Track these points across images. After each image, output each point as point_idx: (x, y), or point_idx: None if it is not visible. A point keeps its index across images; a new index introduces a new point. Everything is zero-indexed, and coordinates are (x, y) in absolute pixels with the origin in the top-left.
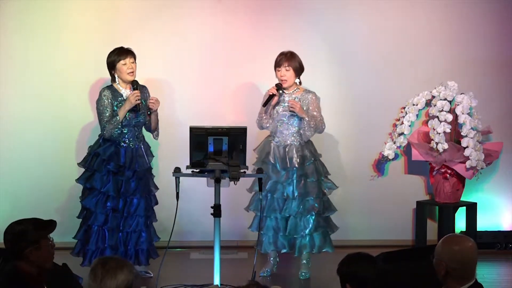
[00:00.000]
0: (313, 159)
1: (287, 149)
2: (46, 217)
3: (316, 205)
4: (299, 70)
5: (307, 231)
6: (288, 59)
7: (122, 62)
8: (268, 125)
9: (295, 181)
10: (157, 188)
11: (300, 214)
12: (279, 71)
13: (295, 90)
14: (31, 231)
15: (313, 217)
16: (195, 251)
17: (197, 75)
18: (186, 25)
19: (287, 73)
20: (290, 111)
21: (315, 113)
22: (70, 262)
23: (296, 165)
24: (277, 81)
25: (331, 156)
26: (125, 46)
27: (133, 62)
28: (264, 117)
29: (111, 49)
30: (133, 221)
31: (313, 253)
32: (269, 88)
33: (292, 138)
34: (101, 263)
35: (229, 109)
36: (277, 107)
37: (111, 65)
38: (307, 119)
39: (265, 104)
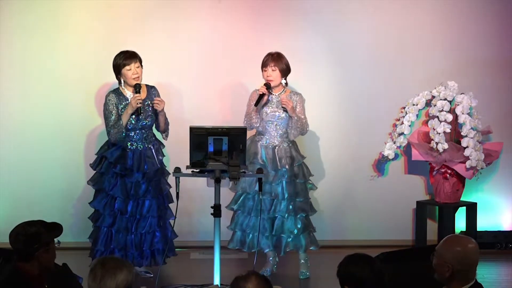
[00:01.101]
0: (301, 160)
1: (276, 150)
2: (45, 218)
3: (304, 206)
4: (285, 71)
5: (295, 231)
6: (275, 60)
7: (127, 68)
8: (257, 124)
9: (284, 181)
10: (170, 186)
11: (289, 214)
12: (265, 71)
13: (282, 91)
14: (44, 233)
15: (303, 217)
16: (195, 251)
17: (197, 75)
18: (186, 25)
19: (273, 73)
20: (282, 107)
21: (301, 115)
22: (71, 262)
23: (286, 166)
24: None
25: (331, 156)
26: (131, 50)
27: (138, 67)
28: (254, 116)
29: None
30: (146, 223)
31: (299, 253)
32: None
33: (280, 139)
34: (101, 263)
35: (229, 109)
36: (265, 108)
37: (117, 69)
38: (295, 118)
39: (257, 103)
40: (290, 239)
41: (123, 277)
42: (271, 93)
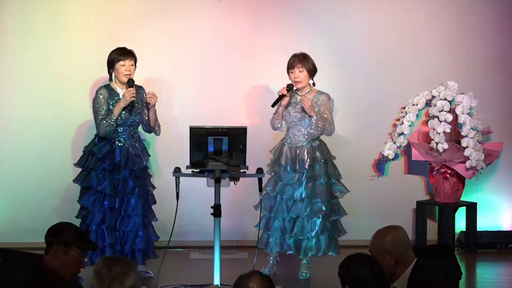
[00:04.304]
0: (323, 161)
1: (298, 151)
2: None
3: (323, 208)
4: (312, 71)
5: (313, 233)
6: (301, 60)
7: (121, 62)
8: (279, 125)
9: (304, 182)
10: (154, 188)
11: (307, 216)
12: (292, 72)
13: (308, 91)
14: (69, 233)
15: (320, 219)
16: (195, 251)
17: (197, 75)
18: (186, 25)
19: (300, 74)
20: (301, 106)
21: (325, 115)
22: None
23: (306, 167)
24: (289, 83)
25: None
26: (128, 48)
27: (132, 65)
28: (276, 118)
29: (111, 49)
30: (130, 221)
31: (318, 256)
32: (271, 87)
33: (304, 139)
34: (107, 267)
35: (229, 108)
36: (289, 108)
37: (110, 64)
38: (315, 118)
39: (274, 104)
40: (312, 242)
41: (130, 282)
42: (298, 94)
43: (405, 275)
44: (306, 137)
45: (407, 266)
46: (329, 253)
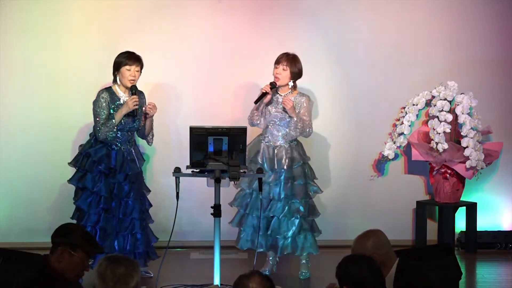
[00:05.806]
0: (301, 162)
1: (276, 151)
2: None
3: (301, 208)
4: (296, 74)
5: (290, 233)
6: (289, 60)
7: (127, 67)
8: (258, 122)
9: (282, 182)
10: (149, 191)
11: (285, 216)
12: (276, 68)
13: (289, 92)
14: (76, 235)
15: (298, 219)
16: (195, 251)
17: (197, 75)
18: (186, 25)
19: (283, 72)
20: (282, 107)
21: (304, 117)
22: None
23: (285, 167)
24: (272, 78)
25: (331, 156)
26: (136, 53)
27: (138, 71)
28: (256, 114)
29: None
30: (129, 224)
31: (296, 255)
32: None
33: (282, 139)
34: (110, 268)
35: (229, 109)
36: (269, 107)
37: (116, 66)
38: (295, 119)
39: (257, 101)
40: (288, 241)
41: (134, 283)
42: (278, 94)
43: (390, 275)
44: (285, 137)
45: (390, 266)
46: (309, 252)
